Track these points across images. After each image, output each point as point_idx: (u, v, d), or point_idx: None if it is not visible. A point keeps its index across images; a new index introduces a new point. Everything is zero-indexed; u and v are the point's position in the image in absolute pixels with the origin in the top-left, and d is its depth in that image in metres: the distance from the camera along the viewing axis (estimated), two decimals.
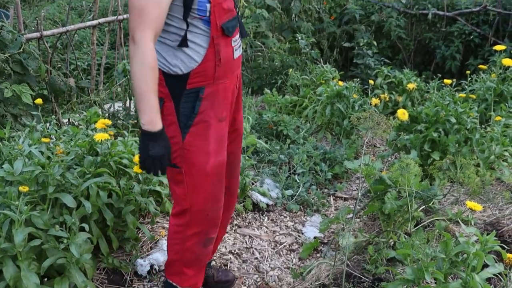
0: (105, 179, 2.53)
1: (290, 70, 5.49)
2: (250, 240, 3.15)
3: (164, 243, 2.80)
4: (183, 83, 1.91)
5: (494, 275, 2.15)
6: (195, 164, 2.00)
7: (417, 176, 2.72)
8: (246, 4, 6.06)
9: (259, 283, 2.75)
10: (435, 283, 2.01)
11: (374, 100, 4.35)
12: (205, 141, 1.98)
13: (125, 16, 4.48)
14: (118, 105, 4.32)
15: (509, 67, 4.49)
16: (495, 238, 2.03)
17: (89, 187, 2.44)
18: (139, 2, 1.71)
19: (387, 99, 4.98)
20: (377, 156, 3.91)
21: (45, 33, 3.88)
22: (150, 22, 1.71)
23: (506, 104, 4.19)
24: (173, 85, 1.93)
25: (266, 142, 4.27)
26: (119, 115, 4.07)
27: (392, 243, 2.79)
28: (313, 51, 5.77)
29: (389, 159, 4.16)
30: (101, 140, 2.49)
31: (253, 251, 3.04)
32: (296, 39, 5.76)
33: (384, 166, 3.97)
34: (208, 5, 1.83)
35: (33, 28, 5.79)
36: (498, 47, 4.64)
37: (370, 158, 2.88)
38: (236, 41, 2.01)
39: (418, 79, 5.47)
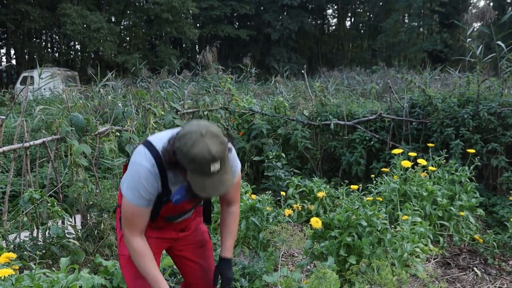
0: None
1: None
2: None
3: None
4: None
5: None
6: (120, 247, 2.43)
7: (336, 282, 2.73)
8: (156, 126, 6.14)
9: None
10: None
11: (287, 211, 4.41)
12: None
13: (31, 143, 4.32)
14: (24, 235, 4.09)
15: (408, 168, 4.78)
16: None
17: None
18: (127, 213, 2.18)
19: (300, 208, 5.07)
20: (296, 266, 3.91)
21: None
22: (136, 227, 2.19)
23: (411, 203, 4.40)
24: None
25: None
26: (26, 246, 3.90)
27: None
28: None
29: (308, 267, 4.16)
30: (4, 276, 2.33)
31: None
32: None
33: (304, 275, 3.95)
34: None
35: None
36: (395, 151, 4.96)
37: (289, 269, 2.87)
38: (180, 218, 2.44)
39: (328, 186, 5.67)
